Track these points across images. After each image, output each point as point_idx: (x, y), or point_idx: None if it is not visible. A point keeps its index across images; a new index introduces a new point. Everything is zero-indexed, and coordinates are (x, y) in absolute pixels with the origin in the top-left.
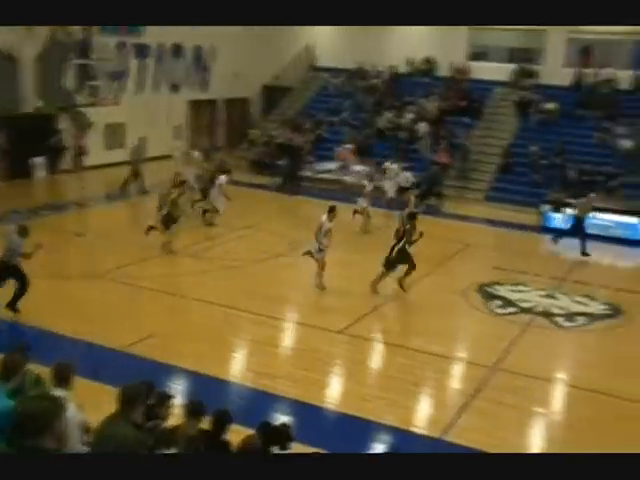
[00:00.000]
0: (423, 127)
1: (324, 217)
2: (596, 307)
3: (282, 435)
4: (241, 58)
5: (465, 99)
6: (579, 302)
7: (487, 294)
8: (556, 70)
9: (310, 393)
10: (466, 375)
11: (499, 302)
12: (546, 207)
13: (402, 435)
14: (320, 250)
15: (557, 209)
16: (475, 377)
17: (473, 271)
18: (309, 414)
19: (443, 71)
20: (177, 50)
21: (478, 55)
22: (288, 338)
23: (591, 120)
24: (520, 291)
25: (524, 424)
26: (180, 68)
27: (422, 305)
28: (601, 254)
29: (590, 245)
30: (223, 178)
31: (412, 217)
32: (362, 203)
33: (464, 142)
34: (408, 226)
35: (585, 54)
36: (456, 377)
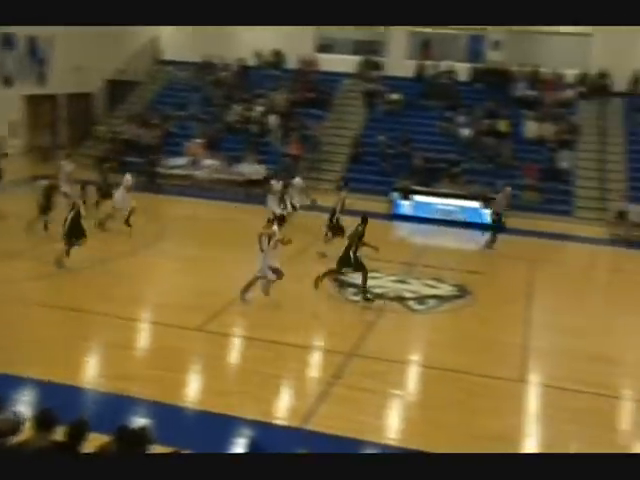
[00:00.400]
0: (273, 120)
1: (274, 227)
2: (445, 289)
3: (140, 439)
4: (82, 50)
5: (314, 91)
6: (429, 285)
7: (341, 282)
8: (399, 62)
9: (168, 393)
10: (324, 363)
11: (353, 289)
12: (395, 195)
13: (262, 428)
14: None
15: (405, 196)
16: (333, 364)
17: (328, 260)
18: (168, 414)
19: (291, 63)
20: (8, 40)
21: (325, 47)
22: (143, 339)
23: (434, 110)
24: (373, 278)
25: (383, 407)
26: (12, 60)
27: (279, 296)
28: (447, 238)
29: (436, 230)
30: (129, 178)
31: (365, 220)
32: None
33: (314, 133)
34: (360, 228)
35: (425, 47)
36: (314, 366)
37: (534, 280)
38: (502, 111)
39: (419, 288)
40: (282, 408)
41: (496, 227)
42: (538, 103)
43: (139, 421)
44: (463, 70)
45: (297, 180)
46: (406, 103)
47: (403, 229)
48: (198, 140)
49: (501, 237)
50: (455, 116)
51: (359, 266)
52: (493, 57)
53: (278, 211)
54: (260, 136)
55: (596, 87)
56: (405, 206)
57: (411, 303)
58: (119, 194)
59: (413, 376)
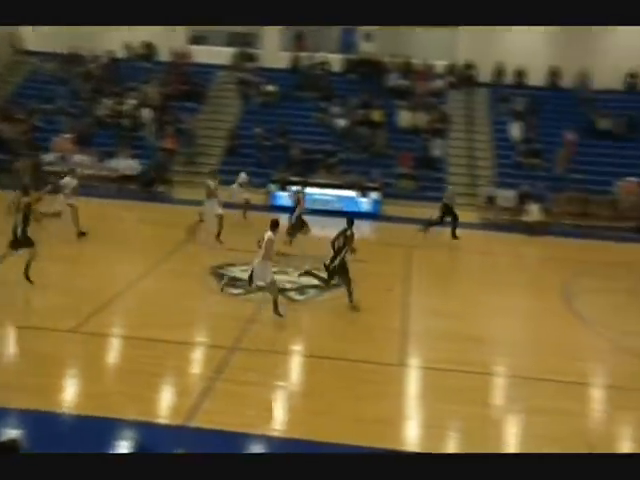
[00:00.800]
0: (146, 113)
1: (269, 233)
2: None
3: (10, 451)
4: None
5: (187, 84)
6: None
7: (220, 276)
8: (274, 54)
9: (45, 400)
10: (206, 359)
11: (233, 283)
12: (273, 186)
13: (144, 428)
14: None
15: (283, 188)
16: (215, 359)
17: (206, 255)
18: (44, 422)
19: (163, 56)
20: None
21: (198, 39)
22: (14, 345)
23: (309, 101)
24: None
25: (267, 399)
26: None
27: (158, 294)
28: (326, 228)
29: (316, 220)
30: (69, 179)
31: (351, 223)
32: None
33: (189, 127)
34: (349, 233)
35: (299, 39)
36: (197, 362)
37: (411, 266)
38: (376, 101)
39: (299, 278)
40: (164, 407)
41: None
42: (410, 93)
43: (9, 433)
44: (337, 61)
45: (243, 175)
46: (281, 95)
47: (281, 220)
48: (67, 135)
49: (379, 225)
50: (330, 107)
51: (337, 273)
52: (365, 48)
53: (220, 212)
54: (133, 130)
55: (463, 77)
56: (283, 197)
57: (292, 294)
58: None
59: (296, 366)
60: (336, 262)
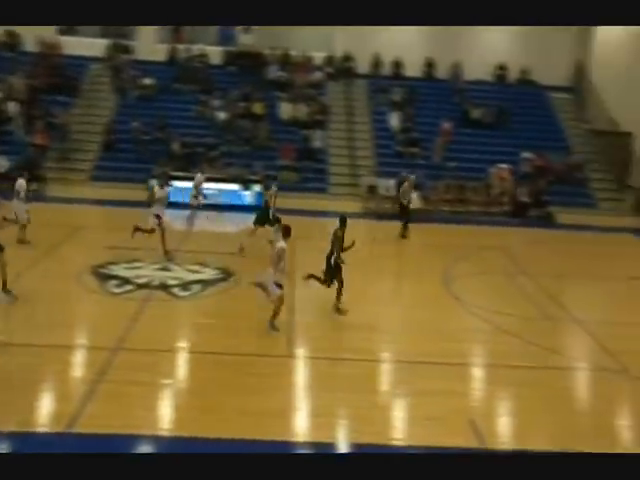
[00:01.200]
0: (13, 107)
1: (281, 242)
2: (209, 273)
3: None
4: None
5: (58, 76)
6: (193, 271)
7: (102, 275)
8: (150, 46)
9: None
10: (89, 361)
11: (115, 282)
12: (153, 182)
13: (21, 438)
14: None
15: (166, 182)
16: (98, 361)
17: (85, 254)
18: None
19: (30, 46)
20: None
21: (68, 29)
22: None
23: (188, 94)
24: (135, 267)
25: (154, 398)
26: None
27: (36, 297)
28: (209, 222)
29: (197, 214)
30: (22, 183)
31: (344, 222)
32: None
33: (62, 121)
34: (340, 232)
35: (176, 31)
36: (78, 365)
37: (296, 257)
38: (256, 94)
39: (183, 274)
40: (44, 414)
41: (405, 217)
42: (290, 85)
43: None
44: (215, 54)
45: (199, 176)
46: (159, 88)
47: (164, 215)
48: None
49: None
50: (210, 100)
51: (338, 274)
52: (244, 40)
53: (160, 219)
54: None
55: (342, 69)
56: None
57: (176, 290)
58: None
59: (182, 364)
60: (332, 261)
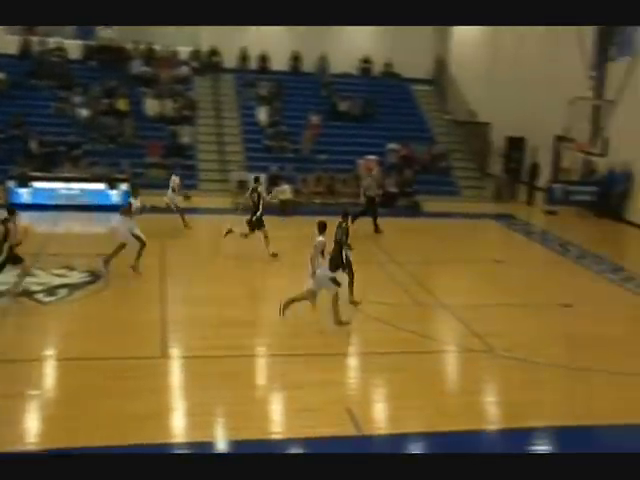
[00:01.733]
0: None
1: (320, 237)
2: (76, 277)
3: None
4: None
5: None
6: (58, 275)
7: None
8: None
9: None
10: None
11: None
12: (11, 183)
13: None
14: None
15: (23, 184)
16: None
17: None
18: None
19: None
20: None
21: None
22: None
23: (46, 90)
24: None
25: (20, 410)
26: None
27: None
28: (73, 223)
29: (61, 216)
30: None
31: (346, 216)
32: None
33: None
34: (345, 225)
35: None
36: None
37: (166, 255)
38: (120, 89)
39: (48, 279)
40: None
41: (368, 211)
42: (155, 80)
43: None
44: (74, 48)
45: (174, 178)
46: (12, 83)
47: (24, 219)
48: None
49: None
50: (71, 96)
51: (349, 267)
52: (104, 34)
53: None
54: None
55: (208, 64)
56: (24, 194)
57: (40, 296)
58: None
59: (49, 372)
60: (343, 257)
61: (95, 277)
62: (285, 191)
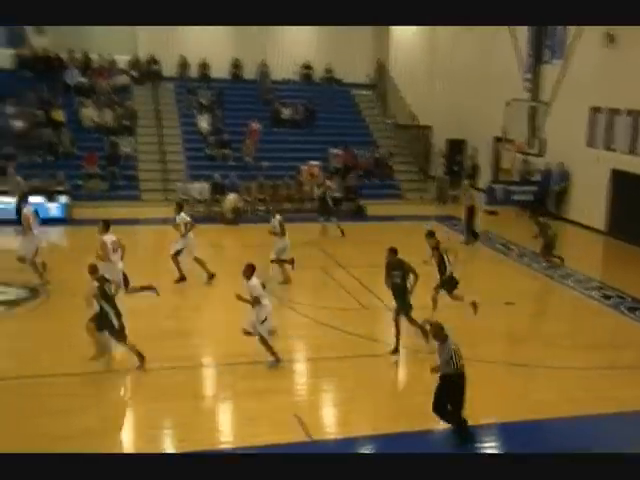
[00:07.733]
0: None
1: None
2: (15, 293)
3: None
4: None
5: None
6: None
7: None
8: None
9: None
10: None
11: None
12: None
13: None
14: None
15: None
16: None
17: None
18: None
19: None
20: None
21: None
22: None
23: None
24: None
25: None
26: None
27: None
28: (12, 240)
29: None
30: None
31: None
32: None
33: None
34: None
35: None
36: None
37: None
38: (56, 100)
39: None
40: None
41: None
42: (92, 90)
43: None
44: (5, 57)
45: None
46: None
47: None
48: None
49: (70, 229)
50: (4, 107)
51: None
52: (37, 43)
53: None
54: None
55: (147, 72)
56: None
57: None
58: None
59: None
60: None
61: (34, 293)
62: (233, 200)
